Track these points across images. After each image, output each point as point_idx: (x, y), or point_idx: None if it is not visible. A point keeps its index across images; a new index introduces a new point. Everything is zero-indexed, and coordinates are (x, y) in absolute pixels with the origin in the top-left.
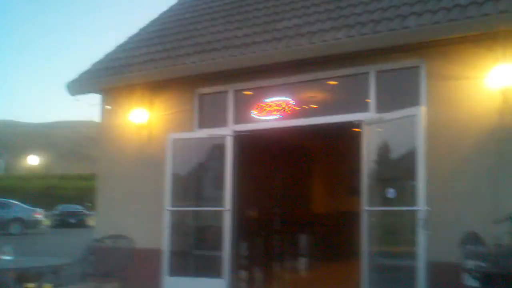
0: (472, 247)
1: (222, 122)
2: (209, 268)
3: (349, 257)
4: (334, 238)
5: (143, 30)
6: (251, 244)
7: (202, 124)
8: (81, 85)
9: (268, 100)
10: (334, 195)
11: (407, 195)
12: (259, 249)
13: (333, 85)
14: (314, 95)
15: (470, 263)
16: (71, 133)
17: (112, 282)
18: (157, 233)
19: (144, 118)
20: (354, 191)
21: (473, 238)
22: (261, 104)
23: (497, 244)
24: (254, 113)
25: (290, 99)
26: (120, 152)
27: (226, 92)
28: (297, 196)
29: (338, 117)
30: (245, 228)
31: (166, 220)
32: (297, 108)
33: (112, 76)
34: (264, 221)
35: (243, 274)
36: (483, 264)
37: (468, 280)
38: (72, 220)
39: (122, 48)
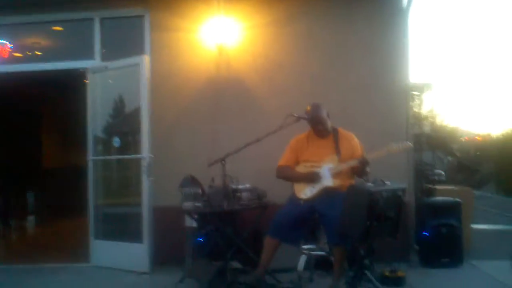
0: (189, 189)
1: None
2: None
3: (82, 211)
4: (68, 193)
5: None
6: None
7: None
8: None
9: None
10: (68, 148)
11: (133, 144)
12: None
13: (58, 30)
14: (38, 40)
15: (188, 205)
16: None
17: None
18: None
19: None
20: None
21: (190, 181)
22: None
23: (210, 185)
24: None
25: (7, 43)
26: None
27: None
28: (24, 151)
29: (62, 64)
30: None
31: None
32: (17, 53)
33: None
34: None
35: None
36: (198, 205)
37: (188, 221)
38: None
39: None
